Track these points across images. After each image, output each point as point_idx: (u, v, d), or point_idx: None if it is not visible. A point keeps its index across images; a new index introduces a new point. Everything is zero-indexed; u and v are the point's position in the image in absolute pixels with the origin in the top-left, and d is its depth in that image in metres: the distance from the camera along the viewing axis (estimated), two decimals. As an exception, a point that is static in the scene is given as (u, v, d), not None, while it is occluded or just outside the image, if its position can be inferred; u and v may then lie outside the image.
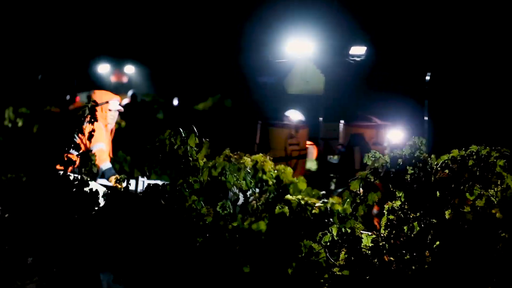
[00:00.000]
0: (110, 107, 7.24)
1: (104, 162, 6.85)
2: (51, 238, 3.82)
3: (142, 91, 25.14)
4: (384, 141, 9.60)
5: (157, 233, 3.92)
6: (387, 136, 9.89)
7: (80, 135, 6.72)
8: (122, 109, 7.38)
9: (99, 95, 7.31)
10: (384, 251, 4.07)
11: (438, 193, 4.12)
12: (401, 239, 4.10)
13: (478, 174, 4.09)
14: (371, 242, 4.07)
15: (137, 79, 31.41)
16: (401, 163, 4.17)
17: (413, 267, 4.03)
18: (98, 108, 7.01)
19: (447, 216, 4.03)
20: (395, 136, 9.53)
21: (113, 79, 31.02)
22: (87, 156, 4.21)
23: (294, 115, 10.34)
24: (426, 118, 10.32)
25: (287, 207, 4.01)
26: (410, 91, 12.85)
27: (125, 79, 31.50)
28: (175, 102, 21.57)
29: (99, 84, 28.31)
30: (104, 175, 6.84)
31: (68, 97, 21.13)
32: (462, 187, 4.07)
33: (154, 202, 3.98)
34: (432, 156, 4.26)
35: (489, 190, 4.11)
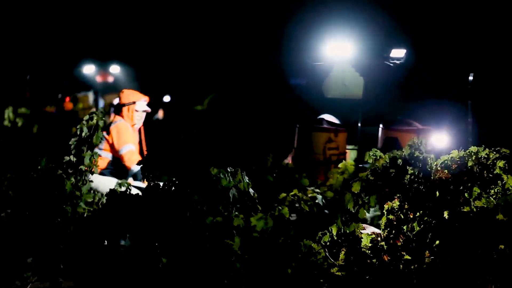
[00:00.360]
0: (137, 108, 7.46)
1: (135, 163, 7.08)
2: (50, 238, 4.19)
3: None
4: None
5: (157, 232, 4.26)
6: (431, 140, 9.99)
7: (106, 136, 7.15)
8: (149, 109, 7.59)
9: (126, 95, 7.55)
10: (383, 251, 4.32)
11: (437, 193, 4.35)
12: (401, 239, 4.34)
13: (477, 175, 4.31)
14: (370, 242, 4.32)
15: (123, 78, 32.47)
16: (401, 163, 4.42)
17: (412, 267, 4.27)
18: (124, 109, 7.41)
19: (446, 216, 4.26)
20: (439, 140, 9.67)
21: (98, 79, 32.23)
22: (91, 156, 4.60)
23: (330, 120, 10.54)
24: (470, 120, 10.41)
25: (286, 208, 4.31)
26: (452, 93, 12.92)
27: (110, 79, 32.67)
28: (167, 99, 22.16)
29: (85, 84, 29.43)
30: (136, 176, 7.12)
31: (59, 95, 22.08)
32: (461, 188, 4.29)
33: (156, 202, 4.32)
34: (432, 155, 4.50)
35: (490, 191, 4.33)
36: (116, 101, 22.15)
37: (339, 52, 11.16)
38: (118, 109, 7.51)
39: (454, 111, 11.92)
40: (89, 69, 31.85)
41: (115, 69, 32.89)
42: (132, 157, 7.08)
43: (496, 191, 4.29)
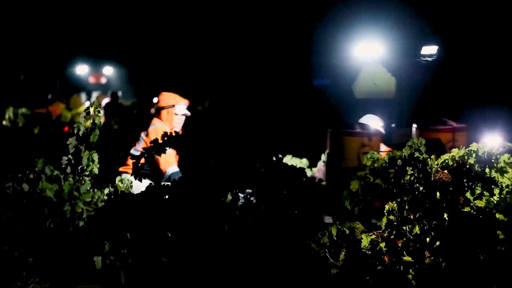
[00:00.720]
0: (177, 111, 7.64)
1: (170, 165, 7.27)
2: (49, 238, 4.42)
3: (121, 91, 26.71)
4: (462, 144, 9.74)
5: (157, 232, 4.51)
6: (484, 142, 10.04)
7: (145, 137, 7.39)
8: (189, 113, 7.75)
9: (165, 98, 7.73)
10: (383, 252, 4.56)
11: (437, 194, 4.58)
12: (401, 239, 4.58)
13: (478, 173, 4.53)
14: (368, 244, 4.56)
15: (116, 79, 33.15)
16: (400, 163, 4.65)
17: (412, 268, 4.51)
18: (163, 112, 7.63)
19: (446, 218, 4.49)
20: (493, 142, 9.76)
21: (91, 80, 32.90)
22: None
23: (372, 121, 10.41)
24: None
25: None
26: (486, 89, 13.02)
27: (103, 80, 33.33)
28: (155, 100, 22.72)
29: (78, 85, 30.01)
30: (170, 179, 7.21)
31: (49, 96, 22.48)
32: (461, 188, 4.52)
33: (157, 202, 4.56)
34: (432, 156, 4.73)
35: (495, 189, 4.54)
36: (105, 101, 22.61)
37: (369, 52, 11.25)
38: (157, 112, 7.70)
39: (489, 108, 12.04)
40: (82, 70, 32.42)
41: (108, 70, 33.49)
42: (168, 160, 7.20)
43: (503, 185, 4.49)
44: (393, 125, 11.16)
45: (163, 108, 7.63)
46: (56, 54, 29.69)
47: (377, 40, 11.24)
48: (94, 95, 27.50)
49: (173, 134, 7.55)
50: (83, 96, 25.94)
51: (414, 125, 9.79)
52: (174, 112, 7.62)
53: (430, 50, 10.90)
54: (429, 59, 10.89)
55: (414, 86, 12.05)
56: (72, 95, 25.25)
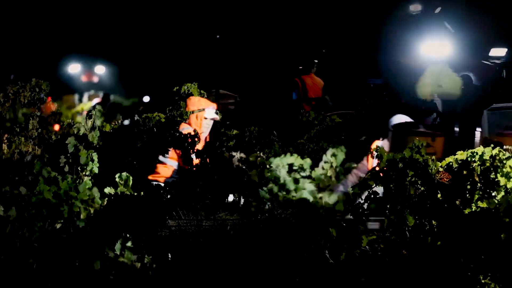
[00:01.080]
0: (206, 115, 7.70)
1: None
2: (49, 240, 4.51)
3: (114, 91, 26.86)
4: None
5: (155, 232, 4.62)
6: None
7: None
8: (217, 117, 7.80)
9: (194, 102, 7.79)
10: (384, 252, 4.66)
11: (439, 196, 4.67)
12: (402, 239, 4.68)
13: (481, 176, 4.63)
14: (367, 244, 4.66)
15: (108, 79, 33.40)
16: (401, 166, 4.74)
17: (413, 268, 4.60)
18: (192, 116, 7.70)
19: (446, 219, 4.59)
20: None
21: (83, 79, 33.16)
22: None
23: (402, 120, 10.49)
24: None
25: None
26: None
27: (95, 79, 33.62)
28: (146, 99, 23.04)
29: (70, 84, 30.22)
30: None
31: (42, 95, 22.56)
32: (462, 190, 4.62)
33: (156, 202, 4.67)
34: (433, 157, 4.83)
35: (500, 191, 4.64)
36: (95, 101, 22.71)
37: (435, 51, 11.25)
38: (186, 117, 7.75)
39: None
40: (74, 69, 32.58)
41: (100, 69, 33.67)
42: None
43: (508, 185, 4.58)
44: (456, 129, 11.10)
45: (192, 112, 7.69)
46: (48, 54, 29.78)
47: (445, 39, 11.21)
48: (86, 94, 27.60)
49: (202, 139, 7.63)
50: (76, 95, 26.04)
51: (478, 129, 9.73)
52: (203, 116, 7.68)
53: (499, 52, 10.90)
54: (497, 61, 10.89)
55: (480, 88, 12.05)
56: (64, 94, 25.35)
